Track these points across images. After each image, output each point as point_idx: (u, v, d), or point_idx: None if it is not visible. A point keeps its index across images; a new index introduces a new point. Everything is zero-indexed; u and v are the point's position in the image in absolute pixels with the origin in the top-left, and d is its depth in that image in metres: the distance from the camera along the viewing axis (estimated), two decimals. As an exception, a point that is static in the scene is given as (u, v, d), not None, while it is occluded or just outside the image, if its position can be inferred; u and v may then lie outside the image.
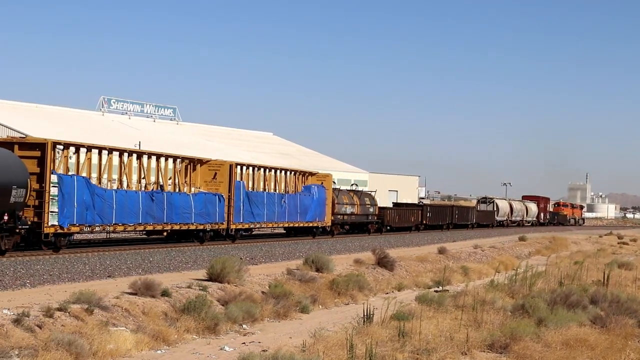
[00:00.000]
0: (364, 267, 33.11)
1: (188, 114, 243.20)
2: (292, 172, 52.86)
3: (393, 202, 79.72)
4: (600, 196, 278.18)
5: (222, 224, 42.07)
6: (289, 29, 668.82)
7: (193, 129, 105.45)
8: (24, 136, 51.45)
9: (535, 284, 29.78)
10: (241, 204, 43.34)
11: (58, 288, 22.03)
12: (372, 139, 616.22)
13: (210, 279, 24.49)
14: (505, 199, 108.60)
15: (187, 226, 39.54)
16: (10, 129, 69.19)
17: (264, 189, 47.32)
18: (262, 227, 48.33)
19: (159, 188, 38.19)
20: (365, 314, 19.80)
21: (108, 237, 41.05)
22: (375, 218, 63.07)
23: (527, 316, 22.09)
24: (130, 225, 35.73)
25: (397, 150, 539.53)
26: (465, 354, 17.69)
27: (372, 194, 64.87)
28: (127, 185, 36.73)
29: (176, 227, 38.88)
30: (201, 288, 22.66)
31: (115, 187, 35.69)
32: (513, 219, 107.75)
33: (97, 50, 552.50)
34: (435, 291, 28.73)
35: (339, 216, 56.18)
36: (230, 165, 42.85)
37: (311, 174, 55.07)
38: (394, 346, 17.06)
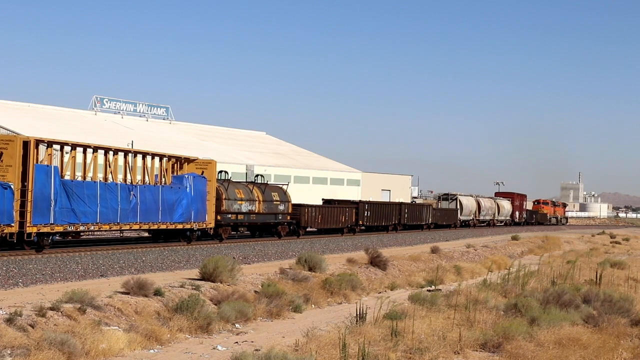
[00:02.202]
0: (357, 266, 33.14)
1: (181, 114, 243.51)
2: (155, 157, 39.76)
3: (322, 199, 66.69)
4: (593, 195, 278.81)
5: (11, 226, 29.29)
6: (283, 28, 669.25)
7: (186, 128, 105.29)
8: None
9: (527, 283, 29.86)
10: (51, 198, 31.15)
11: (51, 287, 22.01)
12: (366, 139, 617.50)
13: (203, 279, 24.53)
14: (471, 196, 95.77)
15: None
16: (4, 128, 68.98)
17: (106, 179, 35.20)
18: (94, 230, 35.08)
19: None
20: (358, 313, 19.82)
21: None
22: (288, 218, 50.19)
23: (519, 315, 22.15)
24: None
25: (391, 150, 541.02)
26: (458, 353, 17.72)
27: (284, 187, 51.52)
28: None
29: None
30: (194, 287, 22.67)
31: None
32: (481, 218, 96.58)
33: (90, 49, 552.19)
34: (428, 290, 28.76)
35: (229, 215, 43.95)
36: (26, 142, 30.42)
37: (188, 160, 41.76)
38: (386, 345, 17.08)
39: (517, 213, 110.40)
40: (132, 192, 35.84)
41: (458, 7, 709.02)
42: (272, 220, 48.68)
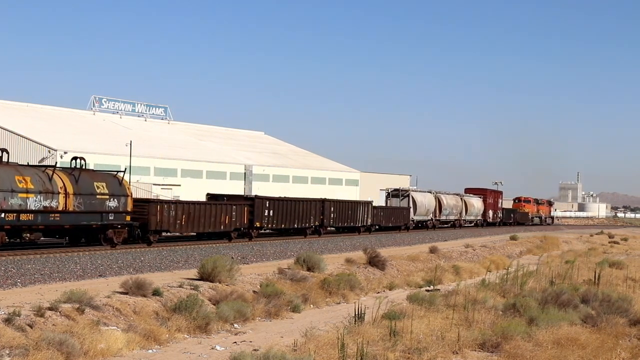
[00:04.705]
0: (355, 266, 33.14)
1: (179, 113, 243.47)
2: None
3: (207, 194, 50.57)
4: (592, 195, 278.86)
5: None
6: (282, 29, 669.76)
7: (184, 128, 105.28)
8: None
9: (526, 283, 29.85)
10: None
11: (49, 287, 22.01)
12: (365, 139, 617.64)
13: (201, 278, 24.53)
14: (430, 192, 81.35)
15: None
16: (3, 128, 68.92)
17: None
18: None
19: None
20: (357, 313, 19.82)
21: None
22: (128, 218, 36.31)
23: (518, 315, 22.17)
24: None
25: (390, 150, 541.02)
26: (457, 353, 17.73)
27: (120, 175, 36.95)
28: None
29: None
30: (192, 287, 22.67)
31: None
32: (443, 218, 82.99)
33: (89, 49, 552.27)
34: (426, 290, 28.76)
35: (1, 214, 30.05)
36: None
37: None
38: (385, 345, 17.08)
39: (490, 212, 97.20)
40: None
41: (456, 9, 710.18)
42: (95, 222, 34.60)
